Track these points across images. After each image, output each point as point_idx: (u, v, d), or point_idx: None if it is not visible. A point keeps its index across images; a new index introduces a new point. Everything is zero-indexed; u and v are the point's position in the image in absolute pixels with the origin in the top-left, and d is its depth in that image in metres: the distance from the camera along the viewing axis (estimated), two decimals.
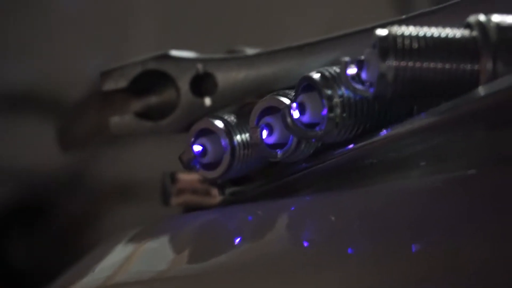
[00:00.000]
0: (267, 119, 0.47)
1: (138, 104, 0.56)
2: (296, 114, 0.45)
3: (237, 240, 0.46)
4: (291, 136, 0.46)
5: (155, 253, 0.49)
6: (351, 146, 0.45)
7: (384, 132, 0.43)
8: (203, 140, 0.50)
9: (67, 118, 0.63)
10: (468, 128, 0.41)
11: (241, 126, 0.50)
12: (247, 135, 0.50)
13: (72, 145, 0.65)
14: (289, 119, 0.45)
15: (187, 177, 0.59)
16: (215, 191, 0.56)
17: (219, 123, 0.50)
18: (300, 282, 0.41)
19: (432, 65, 0.42)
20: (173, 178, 0.59)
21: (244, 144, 0.50)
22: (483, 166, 0.42)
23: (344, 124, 0.44)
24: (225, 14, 1.20)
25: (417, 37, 0.42)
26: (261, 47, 0.57)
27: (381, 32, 0.42)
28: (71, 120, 0.62)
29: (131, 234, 0.53)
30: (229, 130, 0.50)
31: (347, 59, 0.44)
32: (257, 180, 0.53)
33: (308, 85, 0.45)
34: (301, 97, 0.45)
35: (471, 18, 0.43)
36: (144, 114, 0.56)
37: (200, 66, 0.55)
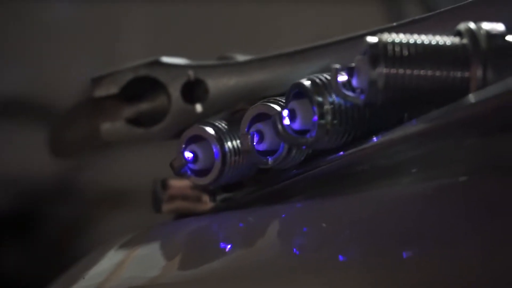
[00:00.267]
0: (258, 126, 0.47)
1: (129, 111, 0.56)
2: (287, 121, 0.45)
3: (228, 247, 0.46)
4: (282, 143, 0.46)
5: (147, 260, 0.49)
6: (342, 153, 0.45)
7: (375, 139, 0.43)
8: (194, 146, 0.50)
9: (58, 124, 0.63)
10: (459, 135, 0.41)
11: (232, 133, 0.50)
12: (238, 141, 0.50)
13: (63, 152, 0.64)
14: (280, 126, 0.45)
15: (178, 184, 0.59)
16: (206, 198, 0.56)
17: (210, 130, 0.50)
18: None
19: (422, 72, 0.42)
20: (164, 185, 0.59)
21: (235, 150, 0.50)
22: (474, 173, 0.42)
23: (335, 131, 0.44)
24: (216, 22, 1.20)
25: (407, 44, 0.42)
26: (252, 54, 0.57)
27: (372, 39, 0.42)
28: (62, 126, 0.62)
29: (123, 241, 0.53)
30: (220, 137, 0.50)
31: (337, 66, 0.44)
32: (248, 186, 0.53)
33: (299, 92, 0.45)
34: (291, 104, 0.45)
35: (461, 26, 0.43)
36: (135, 121, 0.56)
37: (191, 73, 0.55)
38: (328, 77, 0.45)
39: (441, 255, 0.39)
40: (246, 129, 0.47)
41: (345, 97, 0.44)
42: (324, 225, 0.44)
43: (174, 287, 0.45)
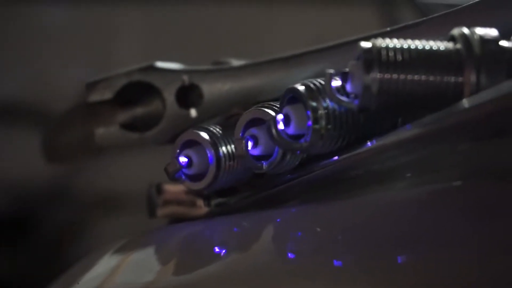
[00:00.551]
0: (253, 130, 0.47)
1: (123, 116, 0.56)
2: (281, 125, 0.45)
3: (223, 251, 0.46)
4: (276, 147, 0.46)
5: (141, 265, 0.49)
6: (336, 157, 0.45)
7: (369, 144, 0.43)
8: (189, 151, 0.50)
9: (53, 129, 0.63)
10: (452, 141, 0.42)
11: (226, 138, 0.50)
12: (233, 146, 0.50)
13: (58, 157, 0.64)
14: (274, 131, 0.45)
15: (173, 189, 0.59)
16: (201, 202, 0.56)
17: (204, 135, 0.50)
18: None
19: (416, 77, 0.42)
20: (159, 190, 0.59)
21: (230, 155, 0.50)
22: (468, 178, 0.43)
23: (329, 135, 0.44)
24: (211, 26, 1.20)
25: (401, 49, 0.42)
26: (247, 58, 0.57)
27: (366, 44, 0.42)
28: (57, 131, 0.62)
29: (118, 246, 0.53)
30: (215, 142, 0.50)
31: (331, 71, 0.44)
32: (242, 191, 0.53)
33: (293, 97, 0.45)
34: (286, 109, 0.45)
35: (455, 31, 0.43)
36: (130, 126, 0.56)
37: (185, 78, 0.55)
38: (322, 82, 0.45)
39: (435, 260, 0.39)
40: (240, 134, 0.47)
41: (339, 102, 0.44)
42: (318, 230, 0.44)
43: None
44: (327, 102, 0.44)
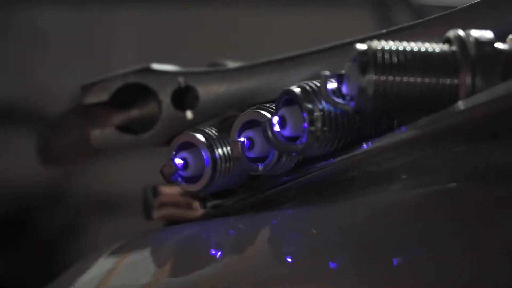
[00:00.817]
0: (248, 132, 0.47)
1: (119, 118, 0.56)
2: (277, 127, 0.45)
3: (219, 253, 0.46)
4: (272, 149, 0.46)
5: (137, 267, 0.49)
6: (332, 159, 0.45)
7: (364, 146, 0.43)
8: (185, 153, 0.50)
9: (48, 131, 0.63)
10: (448, 143, 0.42)
11: (222, 140, 0.50)
12: (229, 148, 0.50)
13: (54, 159, 0.64)
14: (270, 133, 0.45)
15: (169, 191, 0.59)
16: (197, 204, 0.56)
17: (200, 137, 0.50)
18: None
19: (412, 79, 0.42)
20: (155, 192, 0.59)
21: (226, 157, 0.50)
22: (463, 180, 0.43)
23: (324, 137, 0.44)
24: (207, 28, 1.20)
25: (397, 51, 0.42)
26: (243, 60, 0.57)
27: (361, 46, 0.42)
28: (53, 133, 0.62)
29: (113, 248, 0.53)
30: (211, 144, 0.50)
31: (327, 73, 0.44)
32: (238, 193, 0.53)
33: (289, 99, 0.45)
34: (282, 111, 0.45)
35: (451, 33, 0.43)
36: (126, 128, 0.56)
37: (181, 80, 0.55)
38: (318, 84, 0.45)
39: (431, 262, 0.39)
40: (236, 136, 0.47)
41: (335, 104, 0.44)
42: (314, 231, 0.44)
43: None
44: (323, 104, 0.44)
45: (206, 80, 0.55)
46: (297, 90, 0.45)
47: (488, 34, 0.42)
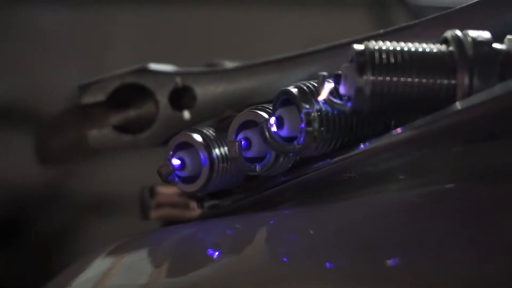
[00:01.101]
0: (246, 133, 0.47)
1: (116, 118, 0.56)
2: (274, 128, 0.45)
3: (216, 254, 0.46)
4: (269, 150, 0.46)
5: (135, 267, 0.49)
6: (329, 160, 0.45)
7: (362, 146, 0.43)
8: (182, 153, 0.50)
9: (45, 132, 0.63)
10: (446, 143, 0.42)
11: (219, 140, 0.50)
12: (226, 148, 0.50)
13: (51, 159, 0.64)
14: (267, 133, 0.45)
15: (166, 191, 0.59)
16: (194, 205, 0.56)
17: (197, 137, 0.50)
18: None
19: (409, 79, 0.42)
20: (152, 192, 0.59)
21: (223, 157, 0.50)
22: (460, 180, 0.43)
23: (322, 138, 0.44)
24: (204, 28, 1.20)
25: (394, 52, 0.42)
26: (240, 60, 0.57)
27: (358, 47, 0.42)
28: (50, 134, 0.62)
29: (110, 248, 0.53)
30: (208, 144, 0.50)
31: (324, 73, 0.44)
32: (236, 193, 0.53)
33: (286, 99, 0.45)
34: (279, 111, 0.45)
35: (448, 33, 0.43)
36: (123, 128, 0.56)
37: (179, 80, 0.55)
38: (316, 84, 0.45)
39: (429, 262, 0.39)
40: (233, 136, 0.47)
41: (332, 104, 0.44)
42: (311, 232, 0.44)
43: None
44: (320, 105, 0.44)
45: (204, 80, 0.55)
46: (294, 90, 0.45)
47: (485, 35, 0.42)
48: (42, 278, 0.58)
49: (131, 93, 0.55)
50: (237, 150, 0.47)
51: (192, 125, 0.53)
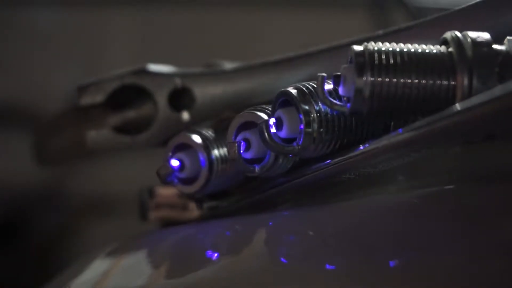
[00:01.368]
0: (245, 134, 0.47)
1: (115, 119, 0.56)
2: (273, 129, 0.45)
3: (215, 255, 0.46)
4: (268, 151, 0.46)
5: (133, 269, 0.49)
6: (328, 161, 0.45)
7: (361, 147, 0.43)
8: (181, 154, 0.50)
9: (44, 132, 0.62)
10: (445, 144, 0.42)
11: (219, 141, 0.50)
12: (225, 149, 0.50)
13: (49, 160, 0.64)
14: (266, 134, 0.45)
15: (165, 192, 0.59)
16: (193, 206, 0.56)
17: (196, 138, 0.50)
18: None
19: (408, 80, 0.42)
20: (151, 193, 0.59)
21: (222, 158, 0.50)
22: (459, 182, 0.43)
23: (321, 139, 0.44)
24: (203, 29, 1.20)
25: (393, 52, 0.42)
26: (239, 61, 0.57)
27: (358, 47, 0.42)
28: (48, 134, 0.62)
29: (109, 249, 0.53)
30: (207, 145, 0.50)
31: (323, 74, 0.44)
32: (235, 194, 0.53)
33: (285, 100, 0.45)
34: (278, 112, 0.45)
35: (447, 34, 0.43)
36: (122, 129, 0.56)
37: (178, 81, 0.55)
38: (315, 86, 0.45)
39: (428, 264, 0.39)
40: (232, 138, 0.47)
41: (331, 105, 0.44)
42: (311, 233, 0.44)
43: None
44: (320, 106, 0.44)
45: (203, 81, 0.55)
46: (293, 91, 0.45)
47: (485, 36, 0.42)
48: (40, 278, 0.58)
49: (130, 94, 0.55)
50: (236, 151, 0.47)
51: (191, 126, 0.53)
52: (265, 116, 0.46)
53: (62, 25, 1.20)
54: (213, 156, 0.49)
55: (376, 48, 0.42)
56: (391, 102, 0.42)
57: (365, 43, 0.43)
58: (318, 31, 1.13)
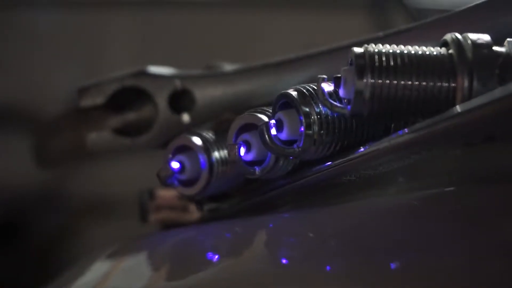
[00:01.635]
0: (245, 136, 0.47)
1: (115, 121, 0.56)
2: (273, 131, 0.45)
3: (215, 257, 0.46)
4: (269, 153, 0.46)
5: (133, 271, 0.49)
6: (329, 163, 0.45)
7: (361, 149, 0.43)
8: (181, 156, 0.50)
9: (44, 134, 0.63)
10: (445, 146, 0.42)
11: (219, 143, 0.50)
12: (226, 151, 0.50)
13: (49, 162, 0.64)
14: (267, 136, 0.45)
15: (165, 194, 0.59)
16: (193, 208, 0.56)
17: (197, 140, 0.50)
18: None
19: (408, 82, 0.42)
20: (151, 195, 0.59)
21: (222, 160, 0.50)
22: (459, 183, 0.43)
23: (321, 141, 0.44)
24: (203, 30, 1.20)
25: (393, 54, 0.42)
26: (239, 63, 0.57)
27: (358, 49, 0.42)
28: (48, 136, 0.62)
29: (109, 251, 0.53)
30: (207, 147, 0.50)
31: (324, 76, 0.44)
32: (235, 196, 0.53)
33: (285, 102, 0.45)
34: (278, 114, 0.45)
35: (448, 36, 0.43)
36: (122, 131, 0.56)
37: (178, 83, 0.55)
38: (315, 87, 0.44)
39: (428, 265, 0.39)
40: (233, 139, 0.47)
41: (331, 107, 0.44)
42: (311, 235, 0.44)
43: None
44: (320, 108, 0.44)
45: (203, 83, 0.55)
46: (294, 93, 0.44)
47: (485, 37, 0.42)
48: (40, 279, 0.58)
49: (130, 96, 0.55)
50: (236, 153, 0.46)
51: (191, 128, 0.53)
52: (265, 118, 0.46)
53: (62, 26, 1.20)
54: (214, 158, 0.49)
55: (376, 50, 0.42)
56: (392, 104, 0.42)
57: (366, 45, 0.43)
58: (318, 32, 1.13)
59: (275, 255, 0.44)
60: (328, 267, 0.41)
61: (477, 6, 0.48)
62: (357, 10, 1.18)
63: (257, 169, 0.47)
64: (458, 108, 0.40)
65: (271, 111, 0.46)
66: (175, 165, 0.50)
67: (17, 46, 1.19)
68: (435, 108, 0.42)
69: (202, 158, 0.49)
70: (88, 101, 0.55)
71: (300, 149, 0.44)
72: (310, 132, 0.44)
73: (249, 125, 0.47)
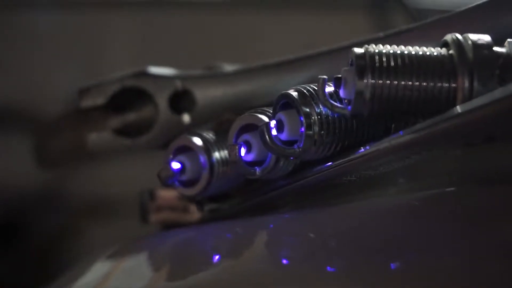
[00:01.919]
0: (245, 136, 0.47)
1: (116, 121, 0.56)
2: (274, 131, 0.45)
3: (216, 257, 0.46)
4: (269, 153, 0.46)
5: (134, 271, 0.49)
6: (329, 163, 0.45)
7: (362, 149, 0.43)
8: (182, 157, 0.50)
9: (44, 135, 0.63)
10: (446, 146, 0.42)
11: (219, 143, 0.50)
12: (226, 152, 0.50)
13: (50, 162, 0.64)
14: (267, 137, 0.45)
15: (166, 194, 0.59)
16: (193, 208, 0.56)
17: (197, 140, 0.50)
18: None
19: (409, 83, 0.42)
20: (152, 195, 0.59)
21: (223, 161, 0.50)
22: (459, 184, 0.43)
23: (322, 141, 0.44)
24: (203, 31, 1.20)
25: (394, 55, 0.42)
26: (240, 63, 0.57)
27: (359, 50, 0.42)
28: (49, 137, 0.62)
29: (109, 252, 0.53)
30: (208, 147, 0.50)
31: (324, 76, 0.44)
32: (235, 197, 0.53)
33: (286, 103, 0.45)
34: (279, 115, 0.45)
35: (448, 36, 0.43)
36: (122, 131, 0.56)
37: (178, 83, 0.55)
38: (315, 88, 0.45)
39: (428, 265, 0.39)
40: (233, 140, 0.47)
41: (332, 107, 0.44)
42: (311, 235, 0.44)
43: None
44: (320, 108, 0.44)
45: (203, 83, 0.55)
46: (294, 93, 0.45)
47: (485, 38, 0.42)
48: (40, 279, 0.58)
49: (131, 96, 0.55)
50: (237, 154, 0.47)
51: (192, 129, 0.53)
52: (266, 119, 0.46)
53: (62, 26, 1.20)
54: (214, 159, 0.49)
55: (377, 51, 0.42)
56: (392, 104, 0.42)
57: (366, 46, 0.43)
58: (318, 32, 1.13)
59: (275, 255, 0.44)
60: (328, 268, 0.41)
61: (478, 6, 0.48)
62: (357, 10, 1.18)
63: (258, 170, 0.47)
64: (458, 109, 0.40)
65: (271, 111, 0.46)
66: (175, 165, 0.50)
67: (17, 46, 1.19)
68: (435, 108, 0.42)
69: (203, 158, 0.49)
70: (88, 102, 0.55)
71: (300, 149, 0.44)
72: (311, 132, 0.44)
73: (249, 125, 0.47)
